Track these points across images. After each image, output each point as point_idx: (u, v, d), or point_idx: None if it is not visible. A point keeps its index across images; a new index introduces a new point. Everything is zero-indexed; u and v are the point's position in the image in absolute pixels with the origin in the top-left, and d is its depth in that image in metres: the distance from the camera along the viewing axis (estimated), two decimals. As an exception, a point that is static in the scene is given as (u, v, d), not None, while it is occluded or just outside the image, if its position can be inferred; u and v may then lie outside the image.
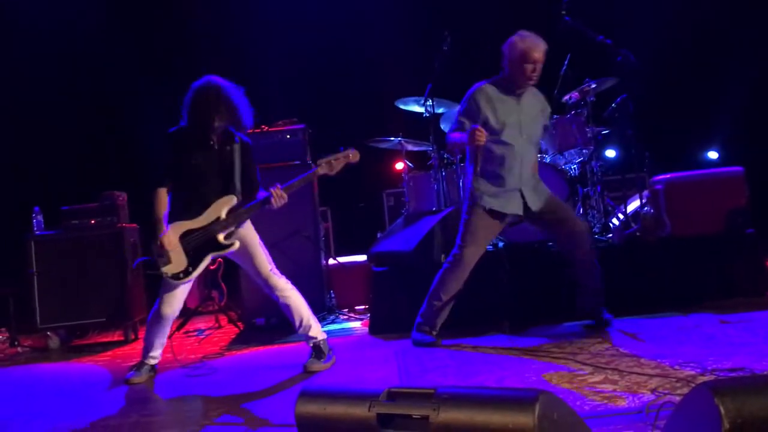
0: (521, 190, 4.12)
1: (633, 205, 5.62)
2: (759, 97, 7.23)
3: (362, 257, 5.94)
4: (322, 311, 5.53)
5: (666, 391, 2.75)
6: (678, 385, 2.83)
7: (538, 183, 4.23)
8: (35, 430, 3.23)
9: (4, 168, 7.24)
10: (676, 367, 3.11)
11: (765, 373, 2.88)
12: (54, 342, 5.64)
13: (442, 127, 5.79)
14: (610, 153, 6.04)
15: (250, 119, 3.89)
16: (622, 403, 2.67)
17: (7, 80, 7.12)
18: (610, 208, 5.56)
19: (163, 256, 3.75)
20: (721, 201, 4.90)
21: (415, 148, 6.12)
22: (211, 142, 3.84)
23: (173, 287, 3.83)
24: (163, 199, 3.83)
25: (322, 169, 3.86)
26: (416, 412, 1.87)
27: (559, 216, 4.18)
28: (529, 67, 4.00)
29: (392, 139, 5.96)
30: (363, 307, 5.87)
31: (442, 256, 4.87)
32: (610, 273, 4.75)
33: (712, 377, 2.89)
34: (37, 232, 5.57)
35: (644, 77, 5.44)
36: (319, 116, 6.47)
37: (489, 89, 4.15)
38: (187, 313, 5.62)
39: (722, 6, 7.26)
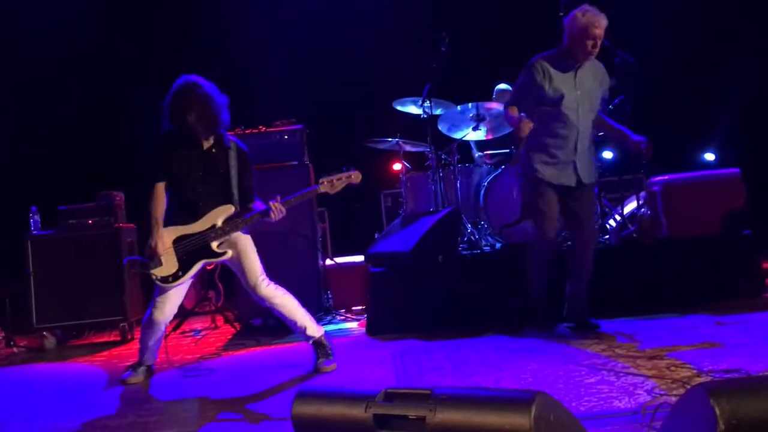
0: (575, 162, 4.14)
1: (630, 207, 5.63)
2: (756, 99, 7.25)
3: (359, 258, 5.94)
4: (319, 312, 5.53)
5: (662, 392, 2.76)
6: (674, 386, 2.83)
7: (592, 157, 4.28)
8: (31, 430, 3.22)
9: (2, 168, 7.23)
10: (672, 368, 3.11)
11: (760, 374, 2.89)
12: (50, 342, 5.63)
13: (440, 128, 5.79)
14: (608, 154, 6.04)
15: (227, 116, 3.87)
16: (618, 404, 2.67)
17: (5, 80, 7.11)
18: (607, 210, 5.56)
19: (155, 258, 3.75)
20: (717, 202, 4.91)
21: (413, 149, 6.13)
22: (200, 145, 3.85)
23: (166, 292, 3.82)
24: (160, 195, 3.85)
25: (323, 188, 3.90)
26: (413, 413, 1.87)
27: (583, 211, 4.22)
28: (590, 42, 4.02)
29: (390, 139, 5.97)
30: (360, 307, 5.88)
31: (440, 257, 4.88)
32: (607, 274, 4.77)
33: (708, 378, 2.90)
34: (33, 232, 5.56)
35: (642, 78, 5.45)
36: (318, 117, 6.47)
37: (545, 62, 4.16)
38: (183, 314, 5.61)
39: (721, 8, 7.28)
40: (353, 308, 5.94)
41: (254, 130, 5.65)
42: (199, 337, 5.55)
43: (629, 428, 2.42)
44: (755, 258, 4.86)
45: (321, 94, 7.59)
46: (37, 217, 5.64)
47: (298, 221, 5.56)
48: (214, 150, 3.87)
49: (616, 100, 5.36)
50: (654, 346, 3.62)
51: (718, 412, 1.64)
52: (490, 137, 6.00)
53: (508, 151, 5.85)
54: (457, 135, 5.80)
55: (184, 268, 3.79)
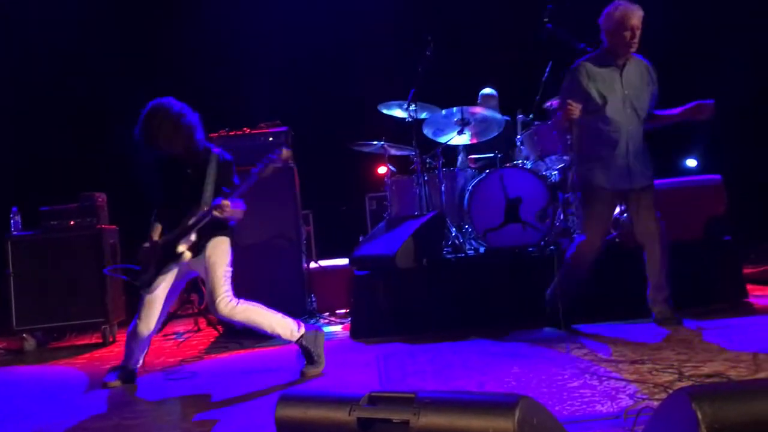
0: (628, 164, 4.10)
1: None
2: (738, 106, 7.33)
3: (344, 261, 5.93)
4: (303, 315, 5.51)
5: (644, 396, 2.77)
6: (656, 390, 2.85)
7: (647, 158, 4.22)
8: (10, 433, 3.19)
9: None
10: (654, 372, 3.14)
11: (741, 379, 2.92)
12: (30, 344, 5.57)
13: (425, 131, 5.80)
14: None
15: (201, 134, 3.88)
16: (601, 408, 2.69)
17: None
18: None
19: (144, 268, 3.77)
20: (699, 209, 4.95)
21: (398, 153, 6.14)
22: (185, 165, 3.86)
23: (149, 303, 3.80)
24: (156, 225, 3.91)
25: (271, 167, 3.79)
26: (397, 417, 1.87)
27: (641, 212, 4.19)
28: (627, 34, 3.99)
29: (375, 143, 5.97)
30: (344, 311, 5.87)
31: (424, 260, 4.88)
32: (589, 278, 4.80)
33: (690, 383, 2.92)
34: (14, 233, 5.51)
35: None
36: (303, 119, 6.47)
37: (588, 65, 4.14)
38: (166, 317, 5.57)
39: (702, 14, 7.36)
40: (337, 311, 5.93)
41: (239, 132, 5.63)
42: (181, 340, 5.52)
43: (612, 432, 2.44)
44: (736, 263, 4.91)
45: (306, 96, 7.59)
46: (18, 218, 5.59)
47: (282, 224, 5.55)
48: (196, 163, 3.86)
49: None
50: (636, 350, 3.64)
51: (700, 416, 1.66)
52: (475, 141, 6.02)
53: (492, 155, 5.88)
54: (442, 139, 5.81)
55: (157, 273, 3.80)
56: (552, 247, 5.28)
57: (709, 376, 3.00)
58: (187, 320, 6.17)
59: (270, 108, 6.49)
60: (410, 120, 5.69)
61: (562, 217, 5.40)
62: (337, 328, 5.32)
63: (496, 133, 5.88)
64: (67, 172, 7.27)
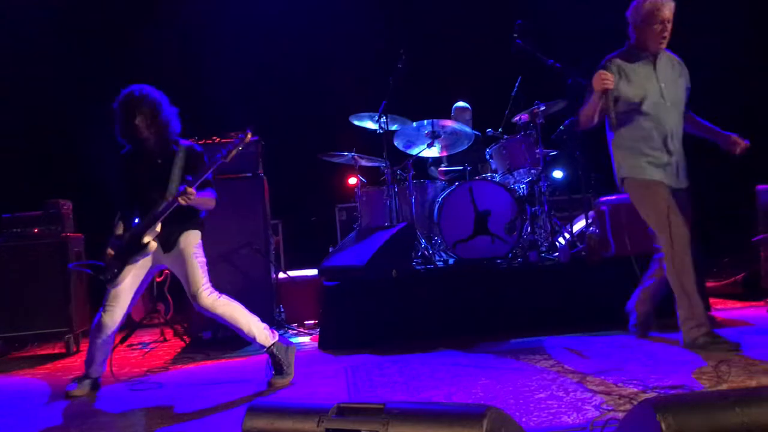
0: (674, 161, 3.85)
1: (579, 225, 5.75)
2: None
3: (313, 271, 5.91)
4: (271, 326, 5.46)
5: (610, 407, 2.81)
6: (621, 401, 2.89)
7: (685, 157, 3.95)
8: (-32, 445, 3.11)
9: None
10: (620, 384, 3.18)
11: (704, 390, 2.97)
12: (-10, 354, 5.44)
13: (395, 143, 5.83)
14: (558, 174, 6.17)
15: (178, 125, 3.85)
16: (567, 420, 2.71)
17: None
18: (557, 228, 5.67)
19: (109, 262, 3.73)
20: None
21: (369, 164, 6.15)
22: (155, 156, 3.81)
23: (116, 296, 3.75)
24: (119, 224, 3.87)
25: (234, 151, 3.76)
26: (365, 428, 1.87)
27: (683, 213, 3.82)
28: (658, 27, 3.75)
29: (346, 154, 5.98)
30: (313, 321, 5.84)
31: (394, 271, 4.89)
32: (556, 291, 4.86)
33: (654, 394, 2.97)
34: (-25, 240, 5.38)
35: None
36: (274, 129, 6.44)
37: (618, 61, 3.87)
38: (131, 326, 5.50)
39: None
40: (306, 322, 5.90)
41: (208, 141, 5.59)
42: (147, 350, 5.44)
43: (577, 443, 2.47)
44: (700, 277, 4.99)
45: (278, 106, 7.57)
46: (-21, 225, 5.47)
47: (251, 233, 5.51)
48: (162, 158, 3.82)
49: (567, 122, 5.49)
50: (602, 362, 3.69)
51: (664, 427, 1.69)
52: (445, 154, 6.07)
53: (462, 168, 5.93)
54: (413, 151, 5.85)
55: (121, 265, 3.75)
56: (520, 260, 5.34)
57: (673, 387, 3.05)
58: (153, 330, 6.09)
59: (240, 117, 6.44)
60: (381, 132, 5.72)
61: (529, 230, 5.46)
62: (305, 339, 5.30)
63: (466, 146, 5.93)
64: (32, 180, 7.15)
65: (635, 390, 3.05)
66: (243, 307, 3.84)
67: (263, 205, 5.64)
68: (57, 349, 5.60)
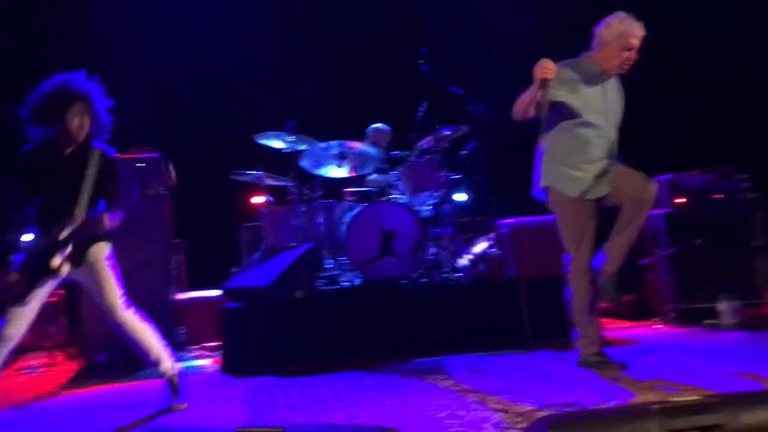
0: (605, 171, 3.83)
1: (481, 247, 5.90)
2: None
3: (217, 292, 5.79)
4: (172, 348, 5.30)
5: (507, 426, 2.90)
6: (518, 419, 2.98)
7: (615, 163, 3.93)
8: None
9: None
10: (517, 402, 3.28)
11: (595, 407, 3.11)
12: None
13: (303, 163, 5.81)
14: (462, 197, 6.33)
15: (107, 120, 3.66)
16: (467, 438, 2.78)
17: None
18: (460, 249, 5.81)
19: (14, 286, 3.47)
20: (558, 245, 5.25)
21: (276, 183, 6.11)
22: (63, 154, 3.56)
23: (22, 312, 3.48)
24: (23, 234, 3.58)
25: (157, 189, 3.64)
26: (266, 452, 1.85)
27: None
28: (626, 53, 3.74)
29: (252, 172, 5.92)
30: (215, 343, 5.70)
31: (298, 292, 4.87)
32: (459, 311, 4.97)
33: (549, 412, 3.08)
34: None
35: (497, 126, 5.78)
36: (178, 145, 6.31)
37: (564, 71, 3.77)
38: (21, 350, 5.19)
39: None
40: (208, 344, 5.76)
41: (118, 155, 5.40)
42: (36, 374, 5.15)
43: (476, 461, 2.52)
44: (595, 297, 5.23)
45: (182, 123, 7.41)
46: None
47: (151, 252, 5.35)
48: (75, 157, 3.56)
49: (470, 146, 5.66)
50: (502, 381, 3.80)
51: (555, 443, 1.76)
52: (353, 175, 6.10)
53: (369, 189, 5.98)
54: (321, 171, 5.86)
55: (30, 288, 3.45)
56: (424, 280, 5.43)
57: (566, 405, 3.18)
58: (44, 354, 5.76)
59: (142, 133, 6.27)
60: (289, 151, 5.70)
61: (433, 251, 5.56)
62: (206, 362, 5.17)
63: (374, 168, 5.99)
64: None
65: (531, 408, 3.16)
66: (154, 330, 3.71)
67: (164, 224, 5.49)
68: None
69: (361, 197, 6.02)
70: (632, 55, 3.77)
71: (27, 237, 3.57)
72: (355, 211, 5.51)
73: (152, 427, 2.06)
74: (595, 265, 3.93)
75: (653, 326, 5.36)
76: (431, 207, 5.81)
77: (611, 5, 3.90)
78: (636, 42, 3.75)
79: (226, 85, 7.62)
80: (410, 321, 4.93)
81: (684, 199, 5.40)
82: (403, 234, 5.36)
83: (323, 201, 5.78)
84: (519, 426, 2.88)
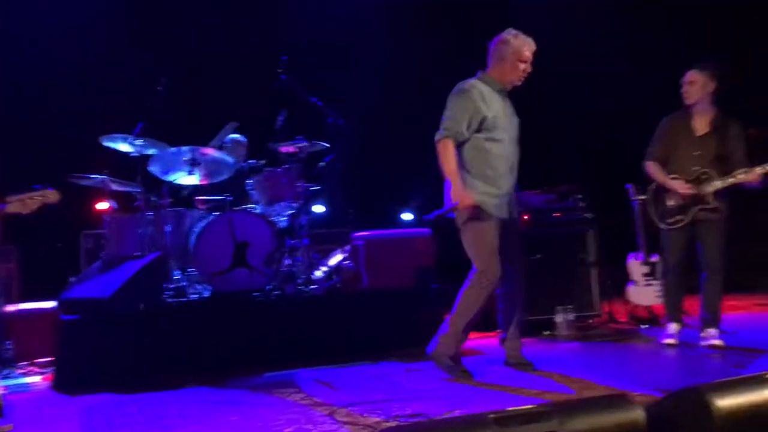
0: (510, 194, 3.99)
1: (336, 259, 5.92)
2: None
3: (52, 303, 5.37)
4: (-3, 364, 4.87)
5: (354, 438, 2.90)
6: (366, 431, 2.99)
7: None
8: None
9: None
10: (365, 414, 3.29)
11: (439, 417, 3.18)
12: None
13: (152, 169, 5.54)
14: (319, 208, 6.32)
15: None
16: (313, 453, 2.74)
17: None
18: (315, 261, 5.78)
19: None
20: (411, 258, 5.40)
21: (121, 188, 5.78)
22: None
23: None
24: None
25: (13, 208, 3.42)
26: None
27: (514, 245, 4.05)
28: (522, 66, 3.89)
29: (95, 176, 5.56)
30: (48, 359, 5.28)
31: (141, 305, 4.63)
32: (312, 323, 4.94)
33: (395, 423, 3.11)
34: None
35: (355, 140, 5.83)
36: (11, 146, 5.83)
37: (480, 85, 3.92)
38: None
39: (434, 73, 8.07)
40: (39, 360, 5.32)
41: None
42: None
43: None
44: (440, 309, 5.38)
45: (16, 122, 6.85)
46: None
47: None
48: None
49: (327, 158, 5.67)
50: (352, 393, 3.80)
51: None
52: (205, 182, 5.89)
53: (222, 198, 5.81)
54: (171, 177, 5.60)
55: None
56: (277, 292, 5.34)
57: (413, 415, 3.22)
58: None
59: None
60: (136, 155, 5.41)
61: (288, 262, 5.49)
62: (36, 379, 4.78)
63: (227, 176, 5.82)
64: None
65: (379, 419, 3.18)
66: None
67: (-9, 229, 5.02)
68: None
69: (214, 206, 5.83)
70: (528, 67, 3.95)
71: None
72: (206, 221, 5.34)
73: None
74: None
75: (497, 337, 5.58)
76: (288, 217, 5.74)
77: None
78: (529, 55, 3.93)
79: (71, 85, 7.15)
80: (261, 334, 4.82)
81: (526, 217, 5.69)
82: (258, 245, 5.24)
83: (172, 209, 5.53)
84: (366, 438, 2.88)
